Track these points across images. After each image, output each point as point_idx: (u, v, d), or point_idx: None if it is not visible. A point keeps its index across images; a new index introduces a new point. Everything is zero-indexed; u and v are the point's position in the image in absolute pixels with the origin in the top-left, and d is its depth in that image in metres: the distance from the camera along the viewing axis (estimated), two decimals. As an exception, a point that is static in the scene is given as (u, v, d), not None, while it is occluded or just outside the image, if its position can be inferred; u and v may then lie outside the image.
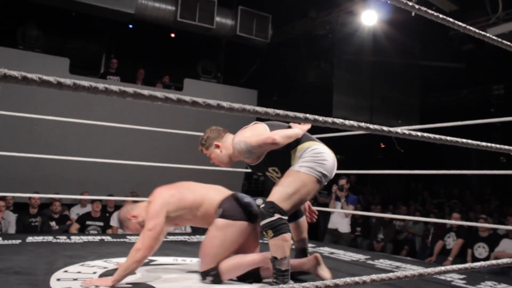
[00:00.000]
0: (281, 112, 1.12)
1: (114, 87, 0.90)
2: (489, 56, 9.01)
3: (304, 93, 10.77)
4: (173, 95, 0.98)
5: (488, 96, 11.78)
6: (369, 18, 7.67)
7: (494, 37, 1.68)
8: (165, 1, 7.81)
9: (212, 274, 2.58)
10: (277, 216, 2.37)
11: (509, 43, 1.75)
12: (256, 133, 2.54)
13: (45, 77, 0.83)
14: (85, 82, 0.87)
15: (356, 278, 1.16)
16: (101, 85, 0.88)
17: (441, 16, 1.51)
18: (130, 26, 9.30)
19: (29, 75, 0.81)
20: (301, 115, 1.16)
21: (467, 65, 10.61)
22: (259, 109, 1.09)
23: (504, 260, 1.70)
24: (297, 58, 10.45)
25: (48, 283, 2.45)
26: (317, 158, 2.51)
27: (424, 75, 11.72)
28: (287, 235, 2.39)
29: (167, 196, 2.69)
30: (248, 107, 1.06)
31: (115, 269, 2.86)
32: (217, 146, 2.70)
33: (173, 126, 5.58)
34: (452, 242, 6.36)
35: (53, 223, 6.38)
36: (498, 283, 3.01)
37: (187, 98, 1.00)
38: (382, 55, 10.02)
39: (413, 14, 6.73)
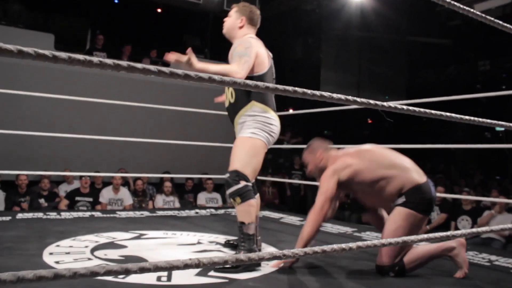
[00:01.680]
0: (270, 85, 1.15)
1: (108, 61, 0.92)
2: (476, 32, 9.06)
3: (291, 68, 10.77)
4: (165, 69, 0.99)
5: (474, 72, 11.90)
6: (357, -7, 7.66)
7: (478, 13, 1.71)
8: (152, -25, 7.70)
9: (397, 269, 2.43)
10: (243, 183, 2.48)
11: (493, 19, 1.78)
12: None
13: (40, 51, 0.85)
14: (80, 56, 0.89)
15: (343, 245, 1.20)
16: (95, 59, 0.90)
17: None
18: (116, 1, 9.15)
19: (25, 49, 0.82)
20: (290, 88, 1.18)
21: (454, 41, 10.68)
22: (249, 82, 1.11)
23: (476, 229, 1.77)
24: (284, 33, 10.42)
25: (41, 257, 2.49)
26: (266, 123, 2.58)
27: (411, 51, 11.77)
28: (253, 201, 2.50)
29: (344, 165, 2.55)
30: (238, 80, 1.08)
31: (109, 243, 2.92)
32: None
33: (159, 101, 5.57)
34: (436, 216, 6.50)
35: (42, 200, 6.39)
36: (480, 253, 3.11)
37: (179, 71, 1.01)
38: (369, 31, 10.03)
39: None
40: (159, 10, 9.33)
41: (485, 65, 11.36)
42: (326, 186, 2.51)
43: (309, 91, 1.18)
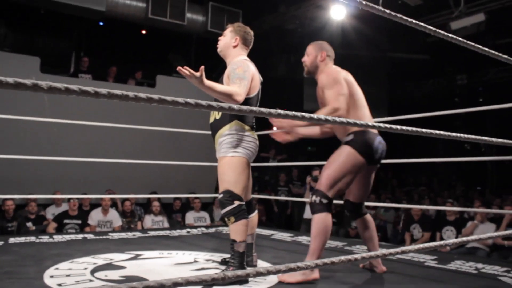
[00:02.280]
0: (255, 108, 1.22)
1: (89, 89, 0.94)
2: (453, 48, 9.34)
3: (275, 86, 10.90)
4: (155, 96, 1.06)
5: (452, 86, 12.21)
6: (338, 13, 7.85)
7: (446, 33, 1.84)
8: (136, -2, 7.80)
9: (321, 201, 2.58)
10: (236, 203, 2.60)
11: (461, 39, 1.91)
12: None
13: (39, 82, 0.88)
14: (58, 84, 0.90)
15: (333, 259, 1.27)
16: (74, 87, 0.92)
17: (401, 16, 1.64)
18: (101, 23, 9.23)
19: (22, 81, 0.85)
20: (273, 111, 1.25)
21: (432, 56, 10.97)
22: (235, 106, 1.19)
23: (464, 239, 1.88)
24: (267, 52, 10.58)
25: (42, 280, 2.52)
26: (244, 140, 2.70)
27: (391, 67, 12.04)
28: (246, 221, 2.62)
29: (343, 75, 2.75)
30: (224, 105, 1.16)
31: (106, 264, 2.96)
32: None
33: (146, 123, 5.64)
34: (418, 233, 6.61)
35: (29, 224, 6.34)
36: (467, 261, 3.22)
37: (168, 98, 1.06)
38: (350, 48, 10.25)
39: (380, 3, 6.95)
40: (143, 32, 9.42)
41: (462, 79, 11.68)
42: (342, 88, 2.65)
43: (299, 114, 1.26)
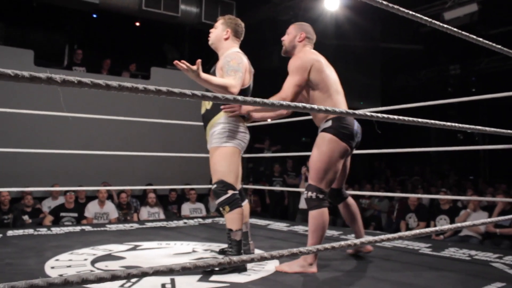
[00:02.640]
0: (248, 99, 1.24)
1: (86, 80, 0.95)
2: (446, 38, 9.39)
3: (269, 77, 10.91)
4: (152, 87, 1.05)
5: (445, 75, 12.29)
6: (332, 3, 7.86)
7: (440, 24, 1.87)
8: (130, -11, 7.77)
9: (318, 196, 2.60)
10: (230, 192, 2.65)
11: (455, 29, 1.95)
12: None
13: (36, 74, 0.90)
14: (57, 76, 0.92)
15: (326, 245, 1.31)
16: (73, 78, 0.93)
17: (394, 6, 1.68)
18: (94, 15, 9.18)
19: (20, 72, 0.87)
20: (268, 101, 1.27)
21: (425, 46, 11.02)
22: (229, 96, 1.21)
23: (457, 225, 1.93)
24: (261, 43, 10.58)
25: (44, 271, 2.56)
26: (235, 131, 2.75)
27: (384, 57, 12.08)
28: (241, 209, 2.67)
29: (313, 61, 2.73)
30: (219, 95, 1.18)
31: (106, 255, 3.00)
32: None
33: (141, 115, 5.65)
34: (413, 222, 6.69)
35: (26, 217, 6.35)
36: (460, 249, 3.29)
37: (164, 88, 1.07)
38: (344, 39, 10.27)
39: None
40: (137, 24, 9.39)
41: (455, 69, 11.75)
42: (301, 79, 2.65)
43: (292, 104, 1.29)
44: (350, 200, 2.98)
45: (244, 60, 2.77)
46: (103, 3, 7.57)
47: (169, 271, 0.92)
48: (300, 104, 1.32)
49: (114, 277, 0.85)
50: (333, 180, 2.68)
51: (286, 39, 2.89)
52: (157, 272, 0.91)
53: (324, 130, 2.67)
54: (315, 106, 1.35)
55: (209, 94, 1.10)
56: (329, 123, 2.65)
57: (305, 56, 2.73)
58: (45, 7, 7.97)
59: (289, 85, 2.63)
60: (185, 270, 0.94)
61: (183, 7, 8.23)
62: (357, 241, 1.29)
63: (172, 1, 7.96)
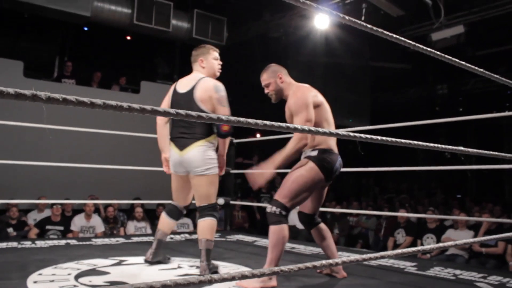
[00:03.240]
0: (242, 119, 1.25)
1: (71, 97, 0.94)
2: (434, 58, 9.53)
3: (259, 93, 10.97)
4: (137, 106, 1.06)
5: (433, 95, 12.44)
6: (322, 22, 7.95)
7: (424, 47, 1.92)
8: (122, 4, 7.80)
9: (281, 212, 2.65)
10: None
11: (437, 52, 1.99)
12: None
13: (21, 91, 0.88)
14: (42, 93, 0.90)
15: (307, 264, 1.31)
16: (58, 96, 0.92)
17: (379, 29, 1.71)
18: (85, 28, 9.20)
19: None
20: (252, 121, 1.27)
21: (413, 66, 11.16)
22: (213, 116, 1.22)
23: (441, 244, 1.95)
24: (251, 59, 10.66)
25: (26, 286, 2.52)
26: (213, 160, 2.98)
27: (373, 76, 12.20)
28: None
29: (315, 94, 2.82)
30: (203, 114, 1.17)
31: (90, 270, 2.97)
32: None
33: (129, 128, 5.64)
34: (401, 238, 6.73)
35: (10, 230, 6.28)
36: (445, 268, 3.31)
37: (148, 107, 1.07)
38: (333, 57, 10.38)
39: (362, 18, 7.07)
40: (128, 38, 9.42)
41: (443, 88, 11.92)
42: (309, 114, 2.69)
43: (276, 124, 1.30)
44: (323, 226, 3.03)
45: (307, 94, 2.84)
46: (95, 16, 7.59)
47: (149, 288, 0.92)
48: (314, 129, 1.33)
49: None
50: (299, 204, 2.79)
51: (271, 90, 2.94)
52: (138, 290, 0.91)
53: (309, 157, 2.75)
54: (327, 130, 1.37)
55: (193, 113, 1.11)
56: (315, 153, 2.75)
57: (303, 94, 2.79)
58: (36, 19, 7.96)
59: (302, 122, 2.66)
60: (165, 288, 0.94)
61: (174, 22, 8.29)
62: (339, 260, 1.30)
63: (163, 16, 8.01)
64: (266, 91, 2.96)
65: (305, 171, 2.70)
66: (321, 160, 2.71)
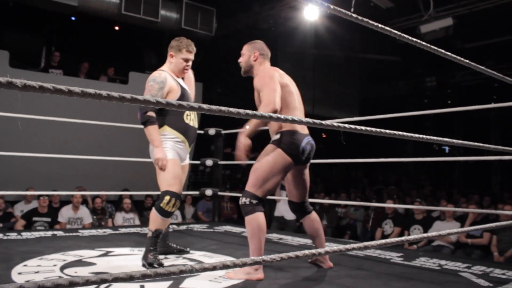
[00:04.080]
0: (223, 108, 1.24)
1: (63, 87, 0.93)
2: (423, 50, 9.59)
3: (248, 85, 10.95)
4: (128, 95, 1.05)
5: (422, 87, 12.51)
6: (311, 13, 7.93)
7: (412, 39, 1.92)
8: (109, -7, 7.72)
9: (251, 202, 2.65)
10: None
11: (426, 44, 1.99)
12: None
13: (12, 80, 0.85)
14: (33, 83, 0.90)
15: (290, 254, 1.30)
16: (48, 85, 0.91)
17: (364, 19, 1.71)
18: (73, 18, 9.09)
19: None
20: (242, 111, 1.27)
21: (403, 58, 11.20)
22: (205, 106, 1.20)
23: (426, 234, 1.96)
24: (241, 50, 10.63)
25: (10, 277, 2.51)
26: (177, 143, 3.03)
27: (363, 68, 12.23)
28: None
29: (281, 75, 2.82)
30: (194, 104, 1.18)
31: (76, 261, 2.95)
32: None
33: (117, 119, 5.60)
34: (389, 228, 6.78)
35: (-4, 221, 6.24)
36: (431, 258, 3.33)
37: (140, 97, 1.07)
38: (323, 48, 10.39)
39: (352, 10, 7.07)
40: (116, 28, 9.33)
41: (431, 81, 12.00)
42: (274, 85, 2.68)
43: (266, 114, 1.30)
44: (314, 215, 2.99)
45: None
46: (82, 6, 7.51)
47: (129, 278, 0.91)
48: (284, 117, 1.33)
49: (72, 284, 0.84)
50: (271, 191, 2.74)
51: (242, 61, 2.96)
52: (117, 279, 0.90)
53: (273, 142, 2.74)
54: (313, 120, 1.36)
55: (174, 102, 1.10)
56: (278, 136, 2.72)
57: (268, 72, 2.78)
58: (22, 8, 7.85)
59: (268, 93, 2.65)
60: (146, 278, 0.93)
61: (163, 13, 8.22)
62: (322, 250, 1.30)
63: (152, 6, 7.94)
64: (239, 60, 2.97)
65: (270, 156, 2.68)
66: (285, 142, 2.68)
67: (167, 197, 2.87)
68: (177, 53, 3.09)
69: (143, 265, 2.85)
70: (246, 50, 2.94)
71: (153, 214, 2.92)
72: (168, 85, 3.01)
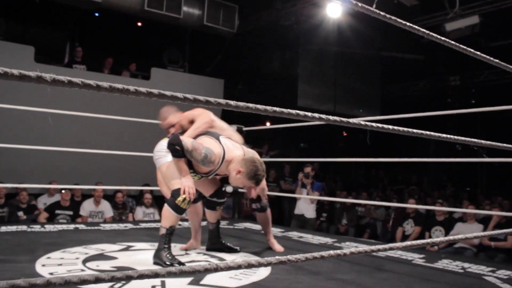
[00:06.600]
0: (251, 105, 1.22)
1: (91, 82, 0.93)
2: (447, 49, 9.41)
3: (269, 82, 10.95)
4: (143, 89, 1.03)
5: (445, 86, 12.30)
6: (334, 10, 7.87)
7: (441, 38, 1.87)
8: (132, -10, 7.77)
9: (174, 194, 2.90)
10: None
11: (453, 42, 1.95)
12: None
13: (26, 73, 0.86)
14: (62, 77, 0.90)
15: (322, 253, 1.30)
16: (64, 78, 0.90)
17: (392, 17, 1.68)
18: (96, 14, 9.19)
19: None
20: (269, 108, 1.25)
21: (426, 56, 11.03)
22: (221, 101, 1.18)
23: (450, 237, 1.92)
24: (262, 48, 10.60)
25: (34, 269, 2.54)
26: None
27: (384, 66, 12.09)
28: None
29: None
30: (211, 99, 1.14)
31: (98, 254, 2.99)
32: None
33: (138, 114, 5.64)
34: (410, 228, 6.71)
35: (20, 213, 6.35)
36: (454, 261, 3.28)
37: (155, 91, 1.05)
38: (345, 46, 10.30)
39: (374, 7, 6.98)
40: (139, 24, 9.40)
41: (455, 80, 11.77)
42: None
43: (285, 111, 1.28)
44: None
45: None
46: (105, 2, 7.57)
47: (154, 275, 0.91)
48: (301, 112, 1.31)
49: (98, 279, 0.84)
50: None
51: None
52: (142, 276, 0.90)
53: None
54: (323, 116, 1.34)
55: (201, 98, 1.09)
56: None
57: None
58: (47, 4, 7.96)
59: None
60: (171, 275, 0.93)
61: (186, 9, 8.25)
62: (348, 251, 1.29)
63: (174, 2, 7.97)
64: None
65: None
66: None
67: (182, 195, 2.85)
68: (245, 177, 2.83)
69: (156, 263, 2.81)
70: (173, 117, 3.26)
71: (166, 210, 2.90)
72: (207, 167, 2.90)
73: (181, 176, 2.86)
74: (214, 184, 3.21)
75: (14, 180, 6.43)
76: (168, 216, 2.89)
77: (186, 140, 2.82)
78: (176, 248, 3.24)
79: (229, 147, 2.92)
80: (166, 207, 2.91)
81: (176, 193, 2.87)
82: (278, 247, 3.49)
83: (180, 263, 2.79)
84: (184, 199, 2.84)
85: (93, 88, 0.90)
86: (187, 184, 2.82)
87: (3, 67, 0.84)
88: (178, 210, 2.86)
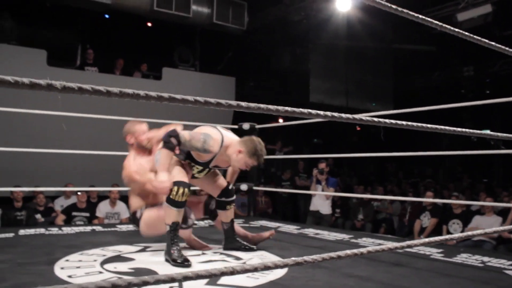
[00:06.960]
0: (262, 105, 1.21)
1: (102, 88, 0.93)
2: (459, 39, 9.30)
3: (280, 78, 10.93)
4: (153, 93, 1.03)
5: (459, 77, 12.15)
6: (343, 4, 7.82)
7: (454, 29, 1.84)
8: (141, -10, 7.81)
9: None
10: None
11: (466, 33, 1.91)
12: None
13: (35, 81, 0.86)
14: (72, 84, 0.90)
15: (339, 253, 1.28)
16: (70, 85, 0.90)
17: (404, 10, 1.65)
18: (106, 16, 9.24)
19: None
20: (281, 108, 1.24)
21: (438, 47, 10.92)
22: (232, 102, 1.18)
23: (470, 233, 1.89)
24: (272, 44, 10.57)
25: (53, 272, 2.57)
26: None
27: (396, 59, 11.98)
28: None
29: None
30: (222, 101, 1.14)
31: (116, 256, 3.00)
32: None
33: (152, 115, 5.65)
34: (427, 221, 6.65)
35: (38, 216, 6.41)
36: (473, 255, 3.24)
37: (166, 94, 1.05)
38: (356, 40, 10.23)
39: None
40: (149, 24, 9.43)
41: (469, 70, 11.62)
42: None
43: (297, 110, 1.26)
44: None
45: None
46: (115, 4, 7.61)
47: (170, 280, 0.91)
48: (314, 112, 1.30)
49: (114, 286, 0.84)
50: None
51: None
52: (158, 281, 0.90)
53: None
54: (335, 114, 1.33)
55: (212, 100, 1.09)
56: None
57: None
58: (58, 7, 8.03)
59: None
60: (187, 280, 0.92)
61: (195, 8, 8.26)
62: (365, 250, 1.27)
63: (183, 1, 7.99)
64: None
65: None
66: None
67: (175, 187, 2.84)
68: (246, 155, 2.90)
69: (167, 260, 2.86)
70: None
71: (166, 208, 2.91)
72: (207, 152, 2.93)
73: (159, 169, 2.89)
74: (220, 184, 3.30)
75: (31, 184, 6.49)
76: (168, 212, 2.91)
77: (183, 132, 2.91)
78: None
79: (227, 133, 3.04)
80: (165, 204, 2.93)
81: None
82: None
83: (186, 260, 2.81)
84: (178, 190, 2.84)
85: (103, 94, 0.90)
86: (160, 179, 2.85)
87: (17, 72, 0.85)
88: (176, 204, 2.87)
